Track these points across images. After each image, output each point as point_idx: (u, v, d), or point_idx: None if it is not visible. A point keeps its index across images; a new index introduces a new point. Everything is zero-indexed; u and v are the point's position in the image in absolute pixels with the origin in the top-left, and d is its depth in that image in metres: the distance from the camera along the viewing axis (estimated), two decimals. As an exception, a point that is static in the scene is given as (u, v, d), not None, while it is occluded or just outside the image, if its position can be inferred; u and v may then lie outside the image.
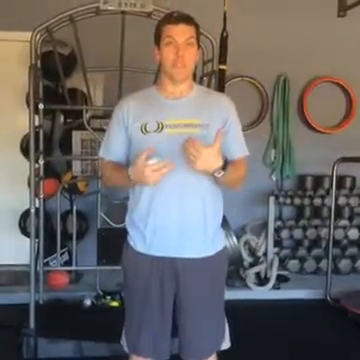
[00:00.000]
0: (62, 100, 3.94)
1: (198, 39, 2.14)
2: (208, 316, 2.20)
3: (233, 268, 4.48)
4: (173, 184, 2.06)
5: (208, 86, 3.55)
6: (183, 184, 2.07)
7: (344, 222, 4.92)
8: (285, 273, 4.73)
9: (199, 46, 2.16)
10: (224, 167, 2.00)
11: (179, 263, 2.12)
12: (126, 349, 2.30)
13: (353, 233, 4.93)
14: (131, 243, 2.21)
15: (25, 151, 4.31)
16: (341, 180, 4.87)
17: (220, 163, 1.99)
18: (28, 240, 3.51)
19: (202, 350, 2.22)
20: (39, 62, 3.48)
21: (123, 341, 2.31)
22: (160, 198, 2.07)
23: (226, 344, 2.29)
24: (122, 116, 2.16)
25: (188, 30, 2.07)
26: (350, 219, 4.97)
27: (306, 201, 4.90)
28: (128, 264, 2.24)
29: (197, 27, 2.12)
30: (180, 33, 2.05)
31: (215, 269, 2.21)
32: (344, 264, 4.85)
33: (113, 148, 2.21)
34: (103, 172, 2.35)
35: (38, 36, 3.38)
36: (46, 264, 3.95)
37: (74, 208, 3.89)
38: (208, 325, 2.20)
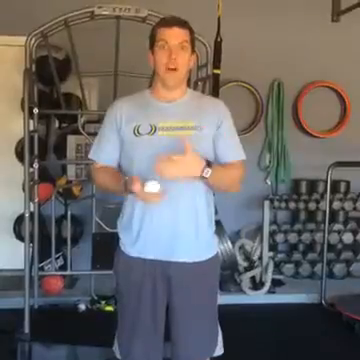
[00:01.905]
0: (57, 105, 3.95)
1: (192, 44, 2.13)
2: (200, 322, 2.18)
3: (228, 272, 4.48)
4: (166, 188, 2.04)
5: (202, 91, 3.57)
6: (176, 188, 2.05)
7: (338, 226, 4.92)
8: (280, 277, 4.73)
9: (193, 51, 2.15)
10: (209, 165, 1.97)
11: (171, 267, 2.11)
12: (118, 356, 2.28)
13: (347, 237, 4.93)
14: (123, 248, 2.20)
15: (20, 155, 4.31)
16: (335, 184, 4.88)
17: (202, 164, 1.96)
18: (23, 245, 3.51)
19: (194, 356, 2.21)
20: (34, 66, 3.49)
21: (115, 347, 2.29)
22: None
23: (219, 350, 2.28)
24: (114, 118, 2.14)
25: (182, 33, 2.06)
26: (344, 223, 4.98)
27: (301, 205, 4.90)
28: (120, 270, 2.22)
29: (191, 31, 2.11)
30: (173, 36, 2.05)
31: (207, 275, 2.20)
32: (339, 268, 4.86)
33: (105, 150, 2.18)
34: (94, 177, 2.28)
35: (33, 40, 3.40)
36: (41, 269, 3.94)
37: (69, 212, 3.89)
38: (200, 331, 2.18)
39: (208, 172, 1.97)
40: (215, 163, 2.08)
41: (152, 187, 1.94)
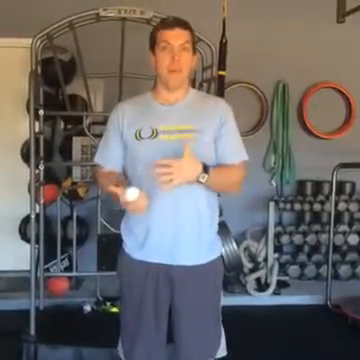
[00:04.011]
0: (62, 106, 3.95)
1: (194, 44, 2.12)
2: (203, 324, 2.18)
3: (233, 274, 4.48)
4: (168, 192, 2.04)
5: (207, 92, 3.56)
6: (178, 191, 2.03)
7: (344, 228, 4.92)
8: (285, 279, 4.73)
9: (195, 51, 2.14)
10: (206, 171, 1.96)
11: (174, 271, 2.11)
12: (122, 357, 2.29)
13: (353, 239, 4.93)
14: (126, 251, 2.20)
15: (25, 157, 4.32)
16: (341, 186, 4.88)
17: (198, 169, 1.96)
18: (28, 246, 3.51)
19: (196, 358, 2.20)
20: (39, 68, 3.49)
21: (119, 348, 2.30)
22: (155, 205, 2.05)
23: (222, 352, 2.27)
24: (117, 121, 2.15)
25: (183, 34, 2.06)
26: (350, 225, 4.97)
27: (306, 207, 4.90)
28: (123, 272, 2.23)
29: (192, 32, 2.11)
30: (175, 37, 2.04)
31: (210, 277, 2.19)
32: (344, 270, 4.85)
33: (109, 154, 2.19)
34: (98, 182, 2.32)
35: (38, 42, 3.40)
36: (46, 270, 3.95)
37: (74, 214, 3.89)
38: (203, 333, 2.18)
39: (204, 177, 1.97)
40: (214, 166, 2.06)
41: (132, 194, 1.92)
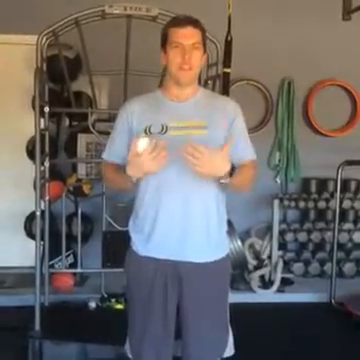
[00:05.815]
0: (67, 103, 3.96)
1: (204, 43, 2.14)
2: (211, 323, 2.19)
3: (238, 271, 4.48)
4: (177, 187, 2.07)
5: (212, 89, 3.56)
6: (187, 187, 2.06)
7: (349, 225, 4.91)
8: (289, 276, 4.73)
9: (205, 50, 2.16)
10: (231, 174, 1.98)
11: (182, 268, 2.12)
12: (130, 355, 2.30)
13: (358, 236, 4.92)
14: (134, 248, 2.20)
15: (31, 154, 4.33)
16: (346, 183, 4.87)
17: (227, 168, 1.97)
18: (33, 242, 3.52)
19: (204, 356, 2.21)
20: (45, 65, 3.50)
21: (127, 347, 2.31)
22: (164, 201, 2.07)
23: (230, 351, 2.28)
24: (126, 118, 2.16)
25: (195, 33, 2.08)
26: (355, 222, 4.96)
27: (310, 204, 4.89)
28: (131, 270, 2.23)
29: (203, 31, 2.13)
30: (187, 36, 2.06)
31: (218, 275, 2.20)
32: (348, 267, 4.84)
33: (116, 150, 2.20)
34: (105, 175, 2.31)
35: (44, 39, 3.40)
36: (51, 266, 3.97)
37: (79, 210, 3.90)
38: (210, 331, 2.19)
39: (227, 179, 1.99)
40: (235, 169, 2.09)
41: (142, 143, 1.92)
